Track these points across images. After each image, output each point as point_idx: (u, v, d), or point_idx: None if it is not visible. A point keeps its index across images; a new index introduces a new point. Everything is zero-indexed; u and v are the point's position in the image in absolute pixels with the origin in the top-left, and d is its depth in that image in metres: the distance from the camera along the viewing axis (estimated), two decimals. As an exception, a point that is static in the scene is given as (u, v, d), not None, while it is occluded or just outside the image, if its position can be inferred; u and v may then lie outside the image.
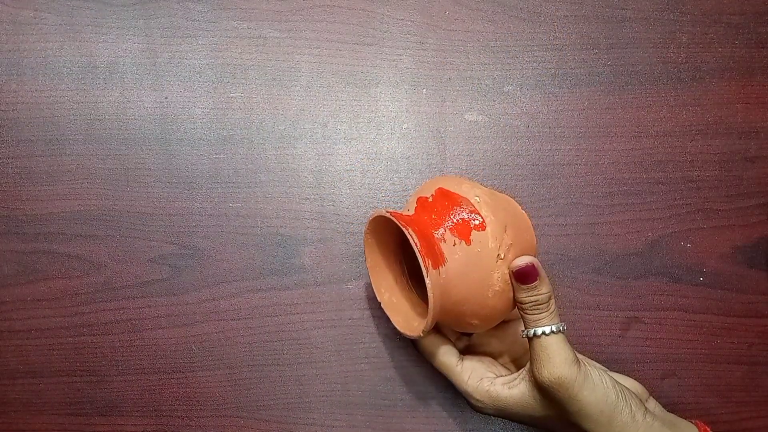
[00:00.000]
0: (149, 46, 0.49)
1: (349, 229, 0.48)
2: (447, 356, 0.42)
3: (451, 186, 0.39)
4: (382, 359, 0.48)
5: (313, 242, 0.48)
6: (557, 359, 0.37)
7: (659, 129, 0.49)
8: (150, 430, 0.47)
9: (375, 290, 0.43)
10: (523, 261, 0.37)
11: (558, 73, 0.49)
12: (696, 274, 0.48)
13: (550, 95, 0.49)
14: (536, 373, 0.37)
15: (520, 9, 0.49)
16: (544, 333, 0.37)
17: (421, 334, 0.39)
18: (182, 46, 0.49)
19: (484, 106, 0.49)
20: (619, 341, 0.48)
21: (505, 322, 0.45)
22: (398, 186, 0.49)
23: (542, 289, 0.37)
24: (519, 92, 0.49)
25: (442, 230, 0.38)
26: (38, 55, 0.48)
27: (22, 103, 0.48)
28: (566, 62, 0.49)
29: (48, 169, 0.48)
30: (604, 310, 0.48)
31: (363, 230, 0.44)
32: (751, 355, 0.48)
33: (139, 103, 0.49)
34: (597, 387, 0.37)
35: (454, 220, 0.38)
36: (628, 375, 0.44)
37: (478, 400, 0.40)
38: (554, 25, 0.49)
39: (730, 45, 0.49)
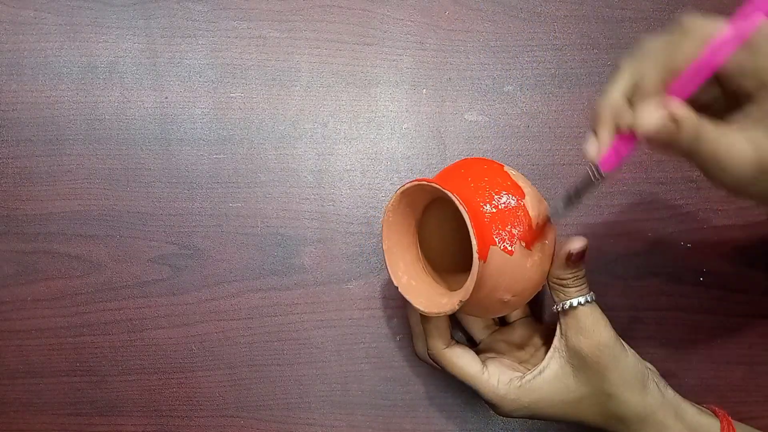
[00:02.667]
0: (149, 46, 0.49)
1: (349, 229, 0.48)
2: (471, 366, 0.40)
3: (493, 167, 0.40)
4: (382, 359, 0.48)
5: (313, 242, 0.48)
6: (599, 326, 0.37)
7: (659, 129, 0.49)
8: (150, 430, 0.47)
9: (391, 274, 0.41)
10: (579, 245, 0.37)
11: (558, 73, 0.49)
12: (696, 274, 0.48)
13: (550, 95, 0.49)
14: (578, 343, 0.37)
15: (520, 9, 0.49)
16: (583, 302, 0.38)
17: (456, 307, 0.36)
18: (182, 47, 0.49)
19: (484, 106, 0.49)
20: (619, 341, 0.48)
21: (510, 326, 0.44)
22: (398, 186, 0.48)
23: (582, 265, 0.38)
24: (519, 92, 0.49)
25: (484, 202, 0.37)
26: (38, 55, 0.48)
27: (22, 102, 0.48)
28: (566, 62, 0.49)
29: (48, 169, 0.48)
30: (604, 310, 0.48)
31: (379, 217, 0.43)
32: (751, 355, 0.48)
33: (139, 103, 0.49)
34: (630, 356, 0.38)
35: (495, 197, 0.37)
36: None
37: (513, 400, 0.39)
38: (554, 25, 0.49)
39: (730, 45, 0.49)
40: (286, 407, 0.48)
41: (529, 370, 0.40)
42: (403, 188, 0.38)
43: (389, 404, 0.48)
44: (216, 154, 0.48)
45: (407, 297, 0.40)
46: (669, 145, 0.31)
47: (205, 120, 0.49)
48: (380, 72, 0.49)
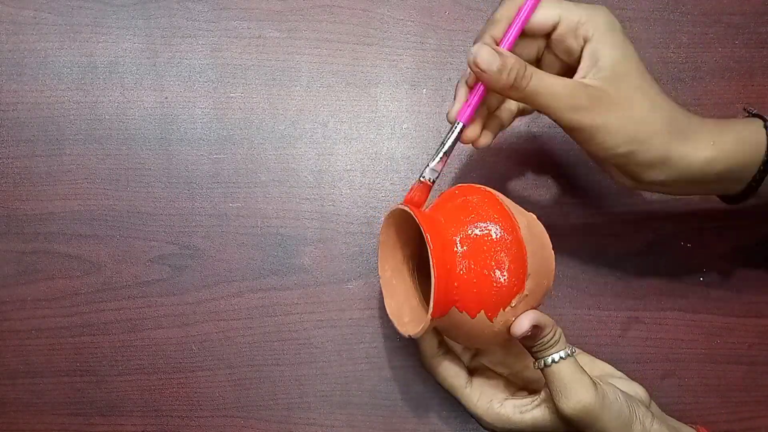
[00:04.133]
0: (149, 46, 0.49)
1: (349, 229, 0.48)
2: (456, 378, 0.41)
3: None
4: (382, 359, 0.48)
5: (313, 242, 0.48)
6: (576, 387, 0.36)
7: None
8: (150, 430, 0.47)
9: (379, 265, 0.42)
10: (522, 328, 0.36)
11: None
12: (696, 274, 0.48)
13: (550, 95, 0.49)
14: (558, 404, 0.36)
15: (520, 9, 0.49)
16: (553, 361, 0.36)
17: (407, 336, 0.38)
18: (182, 46, 0.49)
19: (484, 106, 0.49)
20: (619, 341, 0.48)
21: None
22: (398, 186, 0.49)
23: (545, 331, 0.36)
24: (519, 92, 0.49)
25: (460, 250, 0.36)
26: (38, 55, 0.48)
27: (22, 103, 0.48)
28: (566, 62, 0.49)
29: (48, 169, 0.48)
30: (604, 310, 0.48)
31: (379, 217, 0.44)
32: (751, 355, 0.48)
33: (139, 103, 0.49)
34: (613, 405, 0.37)
35: (485, 251, 0.36)
36: (628, 375, 0.44)
37: (488, 422, 0.40)
38: (554, 25, 0.49)
39: (730, 45, 0.49)
40: (286, 407, 0.48)
41: (514, 397, 0.40)
42: (393, 210, 0.39)
43: (389, 404, 0.48)
44: (216, 154, 0.48)
45: (383, 291, 0.41)
46: (505, 83, 0.35)
47: (205, 120, 0.49)
48: (380, 72, 0.49)
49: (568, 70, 0.38)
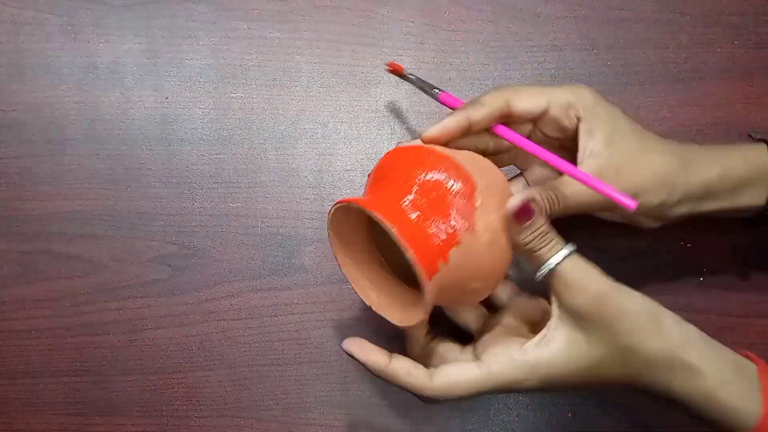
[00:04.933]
0: (150, 47, 0.49)
1: (349, 229, 0.48)
2: (464, 374, 0.36)
3: (403, 152, 0.37)
4: (382, 359, 0.48)
5: (313, 242, 0.48)
6: (590, 277, 0.34)
7: (659, 129, 0.48)
8: (150, 430, 0.47)
9: (360, 295, 0.39)
10: (517, 200, 0.34)
11: (558, 74, 0.49)
12: (696, 274, 0.48)
13: (550, 95, 0.49)
14: (574, 303, 0.34)
15: (520, 9, 0.49)
16: (560, 260, 0.34)
17: (425, 316, 0.35)
18: (183, 47, 0.49)
19: (484, 107, 0.49)
20: (619, 341, 0.48)
21: (503, 310, 0.41)
22: (398, 186, 0.48)
23: (540, 220, 0.34)
24: (519, 92, 0.49)
25: (409, 197, 0.35)
26: (39, 55, 0.49)
27: (23, 103, 0.48)
28: (566, 62, 0.49)
29: (49, 169, 0.48)
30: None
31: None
32: (751, 355, 0.48)
33: (139, 103, 0.49)
34: (633, 295, 0.34)
35: (419, 184, 0.35)
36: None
37: (523, 380, 0.35)
38: (554, 25, 0.49)
39: (730, 45, 0.49)
40: (286, 407, 0.48)
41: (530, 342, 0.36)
42: (329, 214, 0.37)
43: (389, 404, 0.48)
44: (216, 154, 0.48)
45: (383, 315, 0.38)
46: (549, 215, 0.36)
47: (205, 120, 0.49)
48: (380, 72, 0.49)
49: (560, 145, 0.40)
